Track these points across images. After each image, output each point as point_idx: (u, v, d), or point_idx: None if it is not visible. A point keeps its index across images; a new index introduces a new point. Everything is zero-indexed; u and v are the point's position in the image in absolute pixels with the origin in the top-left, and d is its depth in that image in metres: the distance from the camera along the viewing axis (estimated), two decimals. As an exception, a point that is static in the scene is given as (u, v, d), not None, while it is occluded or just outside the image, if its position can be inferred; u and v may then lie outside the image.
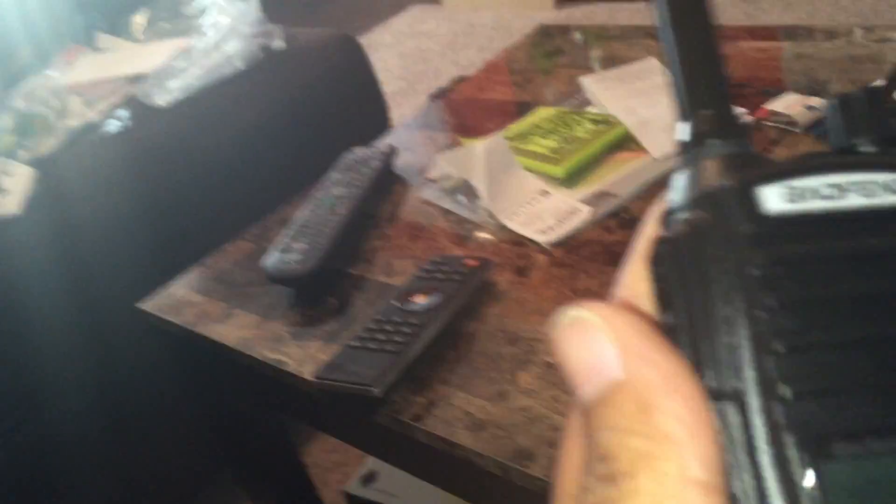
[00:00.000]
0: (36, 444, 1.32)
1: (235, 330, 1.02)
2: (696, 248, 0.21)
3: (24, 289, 1.31)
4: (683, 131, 0.23)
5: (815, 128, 1.06)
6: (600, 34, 1.61)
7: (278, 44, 1.85)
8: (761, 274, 0.20)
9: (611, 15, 3.73)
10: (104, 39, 2.07)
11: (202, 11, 1.97)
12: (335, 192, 1.16)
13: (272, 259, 1.05)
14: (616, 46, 1.48)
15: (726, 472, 0.19)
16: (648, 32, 1.54)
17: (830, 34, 1.29)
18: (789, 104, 1.11)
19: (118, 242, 1.45)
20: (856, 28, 1.27)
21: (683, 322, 0.20)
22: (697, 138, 0.22)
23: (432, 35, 4.04)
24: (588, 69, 1.40)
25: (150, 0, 2.12)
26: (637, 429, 0.19)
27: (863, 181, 0.21)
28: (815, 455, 0.18)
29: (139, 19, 2.09)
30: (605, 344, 0.20)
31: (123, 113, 1.67)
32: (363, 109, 1.93)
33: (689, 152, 0.22)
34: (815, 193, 0.21)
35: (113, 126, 1.63)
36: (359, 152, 1.26)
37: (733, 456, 0.19)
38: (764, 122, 1.11)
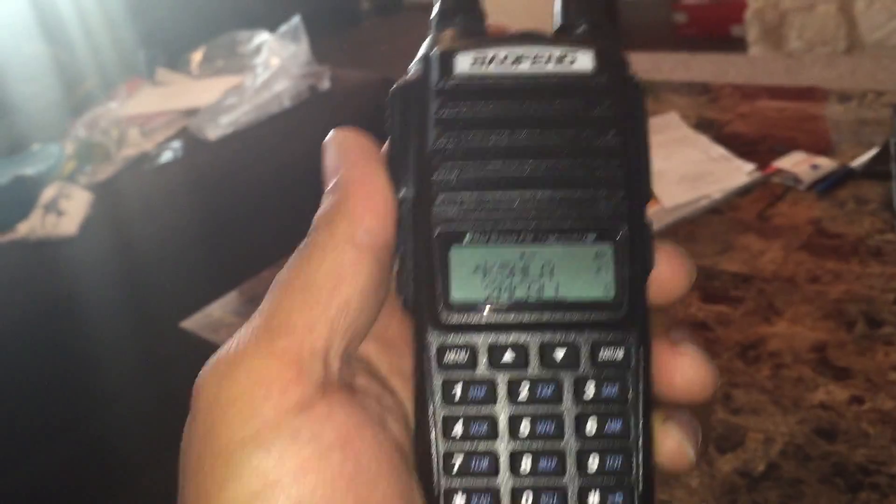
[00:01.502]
0: (92, 444, 1.42)
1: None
2: (406, 95, 0.29)
3: (81, 303, 1.41)
4: (435, 8, 0.30)
5: (818, 185, 1.12)
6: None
7: (325, 84, 1.96)
8: (438, 116, 0.28)
9: (654, 64, 3.80)
10: (163, 73, 2.20)
11: (256, 51, 2.09)
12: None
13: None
14: (642, 100, 1.56)
15: (391, 244, 0.28)
16: (676, 88, 1.61)
17: (844, 97, 1.35)
18: (796, 162, 1.17)
19: (167, 263, 1.55)
20: (869, 92, 1.34)
21: (393, 146, 0.29)
22: (446, 13, 0.30)
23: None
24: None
25: (209, 38, 2.25)
26: (328, 203, 0.28)
27: (538, 53, 0.28)
28: (452, 240, 0.28)
29: (196, 56, 2.22)
30: (337, 154, 0.29)
31: (176, 144, 1.78)
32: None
33: (437, 24, 0.30)
34: (497, 60, 0.28)
35: (166, 156, 1.75)
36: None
37: (403, 232, 0.28)
38: (771, 179, 1.17)
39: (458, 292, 0.28)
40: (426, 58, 0.29)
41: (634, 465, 0.27)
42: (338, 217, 0.27)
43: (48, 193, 1.59)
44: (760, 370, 0.86)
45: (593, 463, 0.27)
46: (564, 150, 0.28)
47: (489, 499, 0.27)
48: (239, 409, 0.25)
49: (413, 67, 0.29)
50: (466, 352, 0.28)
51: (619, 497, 0.27)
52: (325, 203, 0.28)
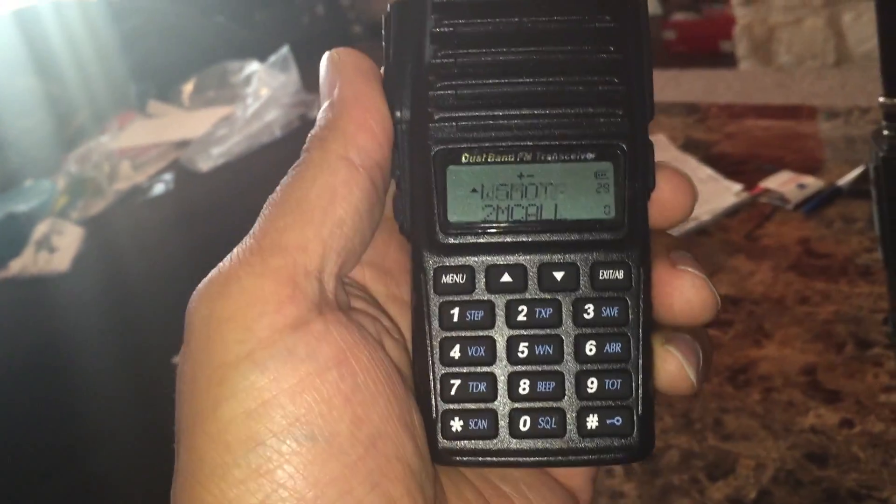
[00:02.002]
0: (85, 479, 1.41)
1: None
2: (402, 11, 0.28)
3: (73, 339, 1.41)
4: None
5: (805, 204, 1.13)
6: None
7: (315, 112, 1.96)
8: (435, 31, 0.27)
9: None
10: (155, 105, 2.21)
11: (246, 81, 2.10)
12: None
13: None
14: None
15: (386, 164, 0.27)
16: (664, 109, 1.62)
17: (831, 114, 1.36)
18: (783, 182, 1.17)
19: (158, 297, 1.54)
20: (854, 109, 1.34)
21: (390, 65, 0.28)
22: None
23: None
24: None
25: (200, 68, 2.26)
26: (321, 123, 0.27)
27: None
28: (449, 160, 0.27)
29: (188, 87, 2.23)
30: (333, 72, 0.28)
31: (168, 176, 1.79)
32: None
33: None
34: None
35: (158, 189, 1.75)
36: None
37: (399, 153, 0.28)
38: (759, 199, 1.18)
39: (454, 213, 0.27)
40: None
41: (633, 387, 0.27)
42: (331, 135, 0.27)
43: (40, 230, 1.59)
44: (751, 394, 0.86)
45: (592, 385, 0.27)
46: (564, 67, 0.27)
47: (486, 422, 0.27)
48: (233, 328, 0.25)
49: None
50: (464, 274, 0.27)
51: (617, 420, 0.27)
52: (319, 121, 0.27)
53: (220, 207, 1.73)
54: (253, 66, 2.10)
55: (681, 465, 0.79)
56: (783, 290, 1.00)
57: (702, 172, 1.28)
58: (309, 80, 2.06)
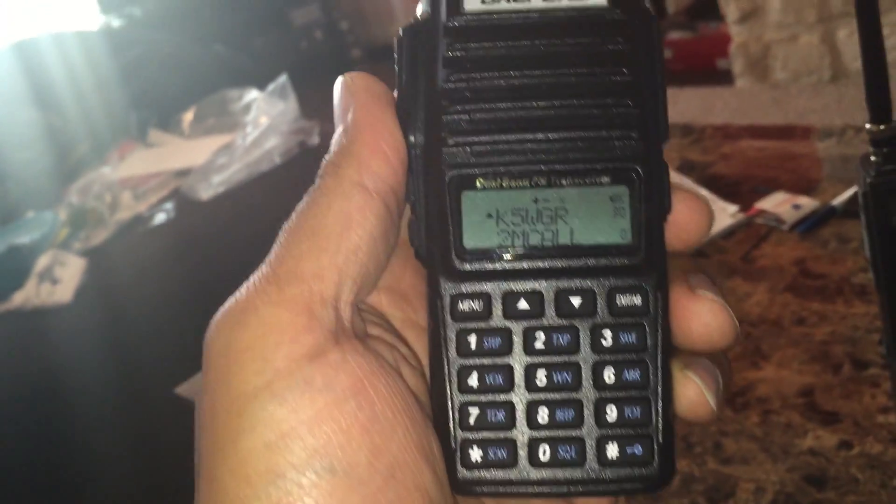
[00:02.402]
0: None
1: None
2: (414, 35, 0.28)
3: (76, 370, 1.41)
4: None
5: (801, 225, 1.13)
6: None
7: (314, 140, 1.98)
8: (447, 56, 0.27)
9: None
10: (155, 134, 2.22)
11: (246, 108, 2.11)
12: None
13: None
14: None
15: (400, 189, 0.27)
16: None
17: (825, 134, 1.37)
18: (778, 203, 1.18)
19: (161, 327, 1.55)
20: (848, 128, 1.35)
21: (402, 88, 0.28)
22: None
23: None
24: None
25: (199, 97, 2.28)
26: (335, 149, 0.27)
27: None
28: (464, 185, 0.27)
29: (188, 116, 2.24)
30: (346, 97, 0.28)
31: (169, 206, 1.80)
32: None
33: None
34: None
35: (159, 218, 1.76)
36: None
37: (413, 178, 0.28)
38: (754, 220, 1.18)
39: (470, 239, 0.27)
40: None
41: (653, 414, 0.27)
42: (345, 161, 0.27)
43: (43, 262, 1.60)
44: (749, 417, 0.86)
45: (611, 413, 0.27)
46: (577, 90, 0.27)
47: (505, 451, 0.27)
48: (250, 359, 0.25)
49: (421, 7, 0.29)
50: (480, 301, 0.27)
51: (637, 448, 0.27)
52: (333, 146, 0.27)
53: (221, 235, 1.74)
54: (252, 95, 2.12)
55: (681, 490, 0.79)
56: (780, 311, 1.01)
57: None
58: (308, 106, 2.08)
